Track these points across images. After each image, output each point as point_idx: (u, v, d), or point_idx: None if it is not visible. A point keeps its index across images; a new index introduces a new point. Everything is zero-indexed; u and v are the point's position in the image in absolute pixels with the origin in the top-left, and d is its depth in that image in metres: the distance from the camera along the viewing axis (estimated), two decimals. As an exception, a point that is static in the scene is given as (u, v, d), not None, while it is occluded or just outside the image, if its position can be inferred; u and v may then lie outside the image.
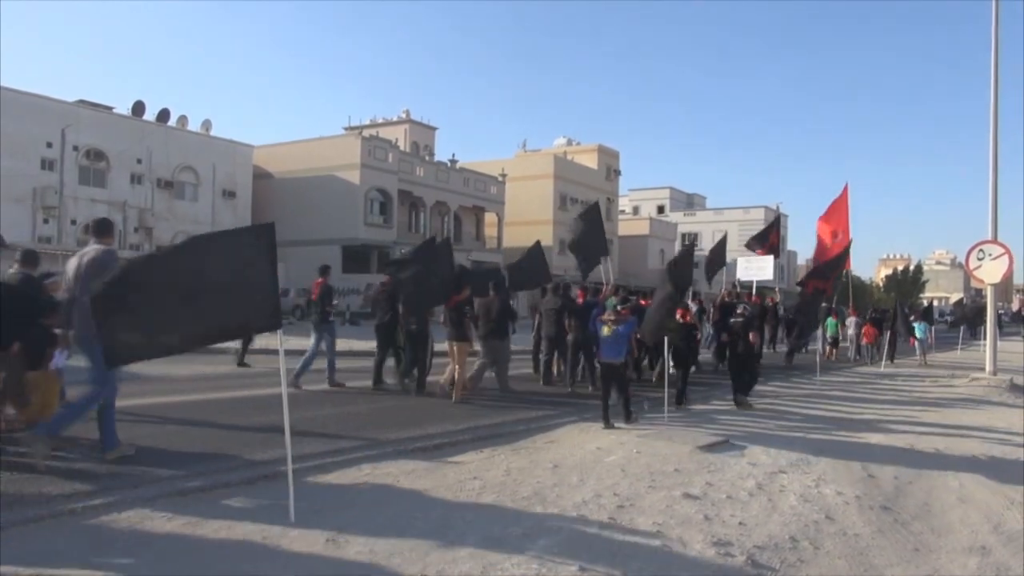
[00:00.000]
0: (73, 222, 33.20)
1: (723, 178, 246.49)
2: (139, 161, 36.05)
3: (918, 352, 23.76)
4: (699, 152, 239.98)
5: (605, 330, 9.19)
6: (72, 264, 6.37)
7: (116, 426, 6.47)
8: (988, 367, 16.75)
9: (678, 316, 11.07)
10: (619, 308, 9.62)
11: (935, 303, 56.32)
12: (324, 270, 12.41)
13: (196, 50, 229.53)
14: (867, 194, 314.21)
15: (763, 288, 18.95)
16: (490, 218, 50.83)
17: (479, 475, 6.40)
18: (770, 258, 16.15)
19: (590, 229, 12.96)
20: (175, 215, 37.50)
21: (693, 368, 12.30)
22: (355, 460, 6.86)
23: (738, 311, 11.71)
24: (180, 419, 8.66)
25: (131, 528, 4.67)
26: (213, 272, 4.87)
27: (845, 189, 19.11)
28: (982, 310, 27.40)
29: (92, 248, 6.52)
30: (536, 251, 13.66)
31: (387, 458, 7.01)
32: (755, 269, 15.92)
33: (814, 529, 5.47)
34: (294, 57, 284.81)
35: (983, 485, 7.08)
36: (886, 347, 21.21)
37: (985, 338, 19.32)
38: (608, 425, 8.89)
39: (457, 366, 11.02)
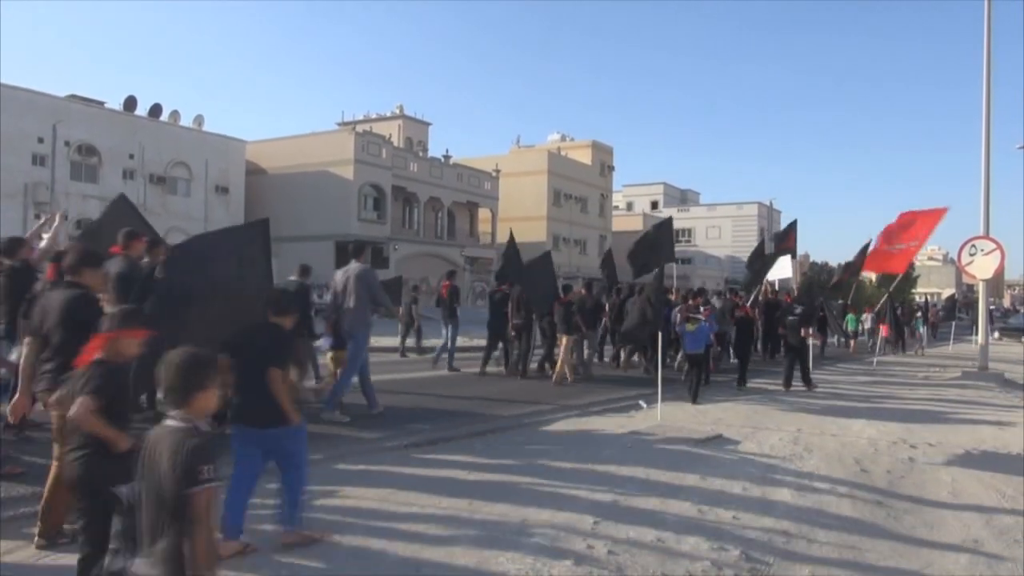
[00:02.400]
0: (65, 217, 33.04)
1: (717, 174, 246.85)
2: (131, 156, 35.85)
3: (923, 344, 26.30)
4: (693, 148, 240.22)
5: (689, 326, 11.21)
6: (340, 277, 8.79)
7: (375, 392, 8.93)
8: (979, 362, 16.84)
9: (739, 311, 13.82)
10: (702, 309, 11.73)
11: (928, 298, 56.49)
12: (451, 274, 14.94)
13: (189, 46, 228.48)
14: (862, 191, 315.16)
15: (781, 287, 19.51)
16: (484, 214, 50.76)
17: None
18: (787, 257, 16.92)
19: (658, 241, 13.38)
20: (168, 211, 37.31)
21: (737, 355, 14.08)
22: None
23: (796, 311, 13.69)
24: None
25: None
26: (220, 275, 4.86)
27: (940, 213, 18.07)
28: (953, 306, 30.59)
29: (356, 266, 8.83)
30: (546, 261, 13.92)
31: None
32: (778, 268, 16.76)
33: (807, 523, 5.50)
34: (287, 52, 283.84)
35: (975, 479, 7.12)
36: (895, 339, 23.07)
37: (977, 333, 19.41)
38: (695, 402, 10.99)
39: (564, 354, 12.75)
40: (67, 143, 33.28)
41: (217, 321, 4.84)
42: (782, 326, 14.04)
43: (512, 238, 14.61)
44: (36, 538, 4.22)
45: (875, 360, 19.68)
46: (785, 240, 17.37)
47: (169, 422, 2.55)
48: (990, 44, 16.73)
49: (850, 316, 24.89)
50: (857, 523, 5.60)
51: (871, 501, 6.19)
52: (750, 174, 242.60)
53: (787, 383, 12.99)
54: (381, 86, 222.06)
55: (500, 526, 5.02)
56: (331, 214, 39.59)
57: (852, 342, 25.05)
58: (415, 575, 4.22)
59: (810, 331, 13.98)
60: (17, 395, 4.35)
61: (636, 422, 9.19)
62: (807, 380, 13.36)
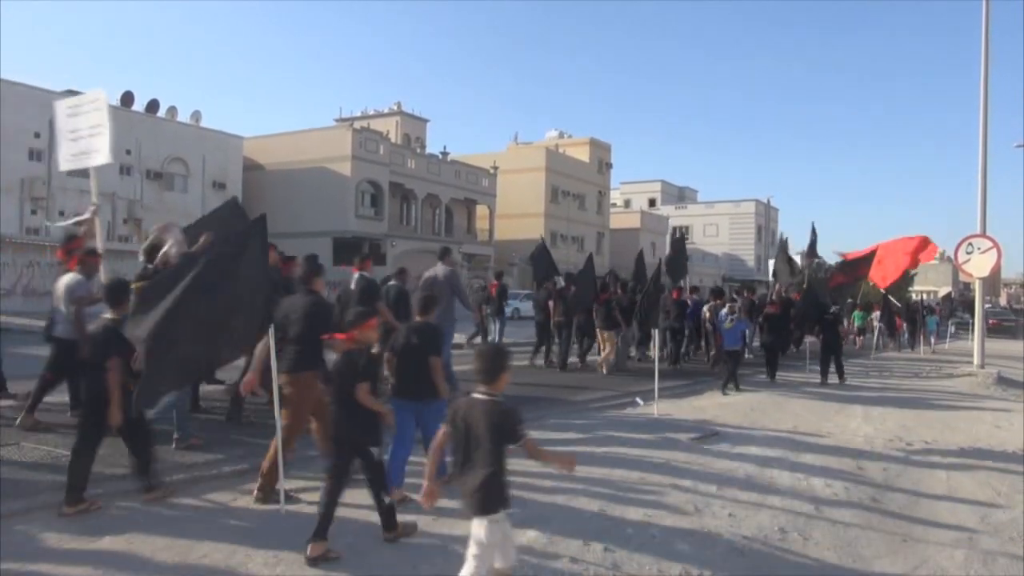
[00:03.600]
0: (61, 212, 32.84)
1: (714, 171, 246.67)
2: (128, 152, 35.71)
3: (932, 341, 28.20)
4: (691, 145, 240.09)
5: (728, 324, 12.49)
6: (428, 277, 10.05)
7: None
8: (976, 360, 16.86)
9: (770, 308, 14.81)
10: (738, 309, 13.00)
11: (925, 297, 56.65)
12: (499, 275, 16.47)
13: (186, 42, 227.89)
14: (857, 188, 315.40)
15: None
16: (481, 211, 50.70)
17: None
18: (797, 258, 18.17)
19: (676, 254, 16.56)
20: (165, 207, 37.20)
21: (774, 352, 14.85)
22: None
23: (831, 311, 15.00)
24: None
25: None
26: (227, 277, 4.86)
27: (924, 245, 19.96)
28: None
29: (443, 268, 10.25)
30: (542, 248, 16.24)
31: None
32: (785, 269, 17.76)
33: (803, 521, 5.52)
34: (285, 49, 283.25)
35: (970, 476, 7.14)
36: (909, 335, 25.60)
37: (974, 332, 19.48)
38: (738, 390, 12.20)
39: (608, 347, 14.26)
40: (64, 138, 33.18)
41: (223, 317, 4.86)
42: (817, 324, 15.04)
43: (544, 243, 16.55)
44: (256, 492, 5.35)
45: (872, 356, 19.76)
46: (812, 247, 18.49)
47: (477, 395, 3.51)
48: (988, 42, 16.73)
49: (857, 313, 25.63)
50: (853, 520, 5.61)
51: (867, 498, 6.21)
52: (747, 171, 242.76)
53: (824, 376, 14.30)
54: (379, 83, 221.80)
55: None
56: (329, 210, 39.51)
57: (859, 339, 25.83)
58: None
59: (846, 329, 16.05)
60: (249, 373, 5.47)
61: (632, 417, 9.22)
62: (840, 374, 14.49)
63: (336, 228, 39.28)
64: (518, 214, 51.44)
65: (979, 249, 16.12)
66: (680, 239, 16.66)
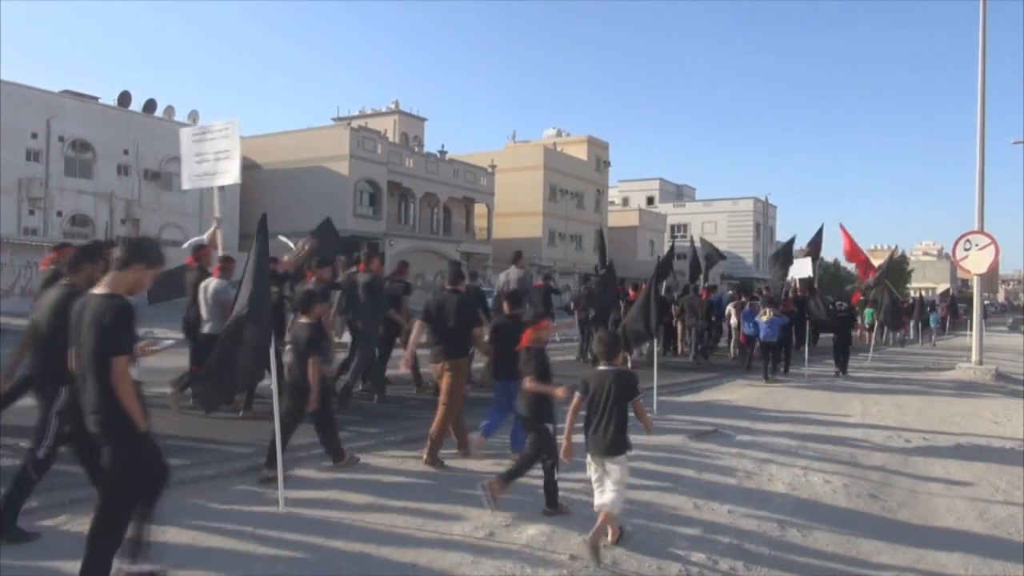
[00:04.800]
0: (59, 213, 32.87)
1: (712, 169, 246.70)
2: (126, 152, 35.66)
3: (934, 337, 29.94)
4: (689, 143, 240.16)
5: (764, 318, 13.53)
6: (502, 278, 11.30)
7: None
8: (975, 356, 16.89)
9: (784, 306, 15.15)
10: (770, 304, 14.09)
11: (923, 293, 56.75)
12: (547, 277, 16.60)
13: (183, 42, 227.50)
14: (855, 185, 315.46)
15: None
16: (480, 209, 50.65)
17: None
18: (808, 259, 17.86)
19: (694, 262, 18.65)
20: (163, 206, 37.17)
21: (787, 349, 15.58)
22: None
23: (842, 308, 16.52)
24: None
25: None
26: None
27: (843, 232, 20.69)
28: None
29: (515, 270, 11.51)
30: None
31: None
32: (797, 268, 17.61)
33: (803, 516, 5.52)
34: (282, 48, 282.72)
35: (969, 472, 7.16)
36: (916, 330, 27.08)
37: (971, 328, 19.55)
38: (770, 381, 13.22)
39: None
40: (61, 138, 33.10)
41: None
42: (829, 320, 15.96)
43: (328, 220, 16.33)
44: (425, 455, 6.41)
45: (872, 351, 19.81)
46: (815, 244, 18.80)
47: (602, 368, 4.72)
48: (986, 38, 16.75)
49: (868, 310, 26.31)
50: (851, 516, 5.63)
51: (865, 494, 6.22)
52: (745, 169, 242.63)
53: (843, 368, 15.38)
54: (376, 82, 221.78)
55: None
56: (327, 210, 39.09)
57: (870, 335, 26.08)
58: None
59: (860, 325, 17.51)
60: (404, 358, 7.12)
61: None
62: (844, 367, 15.53)
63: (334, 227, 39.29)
64: (516, 212, 51.40)
65: (977, 245, 16.15)
66: (713, 248, 19.61)
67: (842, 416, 10.01)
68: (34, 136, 32.17)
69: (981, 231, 16.46)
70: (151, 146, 36.60)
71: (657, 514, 5.35)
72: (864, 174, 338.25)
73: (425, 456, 6.43)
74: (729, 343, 18.29)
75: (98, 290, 3.64)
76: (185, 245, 6.55)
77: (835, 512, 5.70)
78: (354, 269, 9.54)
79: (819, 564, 4.65)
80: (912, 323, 29.26)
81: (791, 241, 19.99)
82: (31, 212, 32.10)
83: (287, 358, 5.98)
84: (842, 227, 20.20)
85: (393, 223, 43.43)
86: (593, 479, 4.63)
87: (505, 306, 6.91)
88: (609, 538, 4.61)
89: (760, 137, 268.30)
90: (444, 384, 6.50)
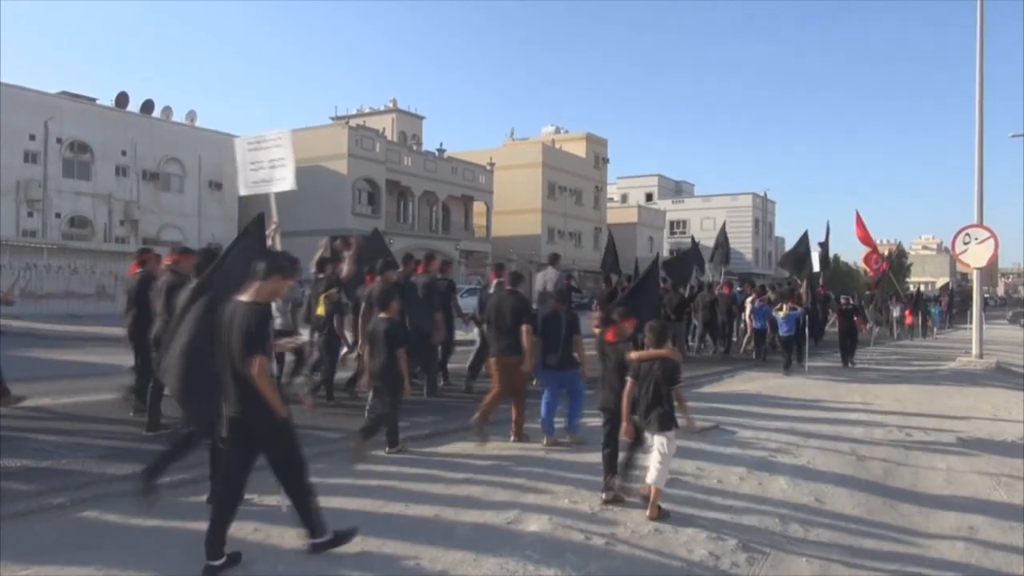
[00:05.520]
0: (57, 215, 32.82)
1: (711, 165, 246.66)
2: (124, 153, 35.59)
3: (935, 330, 30.73)
4: (687, 140, 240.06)
5: (780, 314, 14.28)
6: (540, 279, 11.53)
7: None
8: (975, 350, 16.91)
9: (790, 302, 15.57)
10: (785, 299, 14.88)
11: (921, 288, 56.82)
12: (569, 276, 15.89)
13: (181, 42, 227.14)
14: (854, 180, 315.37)
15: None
16: (479, 207, 50.63)
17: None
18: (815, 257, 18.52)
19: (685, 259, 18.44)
20: (161, 207, 37.14)
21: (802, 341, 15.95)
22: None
23: (847, 302, 17.49)
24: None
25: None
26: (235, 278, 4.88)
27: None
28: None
29: (552, 271, 11.69)
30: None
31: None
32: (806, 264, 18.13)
33: (804, 512, 5.53)
34: (279, 47, 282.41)
35: (970, 466, 7.16)
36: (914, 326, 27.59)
37: (971, 321, 19.58)
38: (787, 374, 13.80)
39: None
40: (59, 140, 33.03)
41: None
42: (839, 314, 17.02)
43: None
44: (513, 436, 7.30)
45: (872, 344, 19.89)
46: (824, 243, 19.10)
47: (652, 352, 5.26)
48: (983, 32, 16.74)
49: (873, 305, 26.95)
50: (853, 511, 5.63)
51: (867, 489, 6.22)
52: (744, 165, 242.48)
53: (847, 360, 15.98)
54: (374, 80, 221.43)
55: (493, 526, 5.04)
56: (325, 209, 39.42)
57: (875, 329, 26.62)
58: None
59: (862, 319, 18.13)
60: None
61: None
62: (850, 359, 16.15)
63: (333, 226, 39.20)
64: (515, 210, 51.37)
65: (976, 239, 16.16)
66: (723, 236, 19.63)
67: (843, 410, 10.00)
68: (32, 138, 32.12)
69: (980, 224, 16.46)
70: (149, 147, 36.55)
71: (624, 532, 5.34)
72: (863, 169, 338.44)
73: (513, 437, 7.32)
74: (743, 338, 18.87)
75: (243, 298, 4.14)
76: None
77: (836, 508, 5.70)
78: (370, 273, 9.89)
79: (821, 559, 4.65)
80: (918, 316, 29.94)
81: (805, 236, 20.02)
82: (30, 214, 32.07)
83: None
84: (857, 213, 20.37)
85: (392, 222, 43.40)
86: (648, 454, 5.26)
87: (553, 303, 7.61)
88: (649, 511, 5.11)
89: (758, 132, 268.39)
90: (507, 375, 7.28)
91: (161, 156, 37.22)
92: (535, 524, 4.91)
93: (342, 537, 4.28)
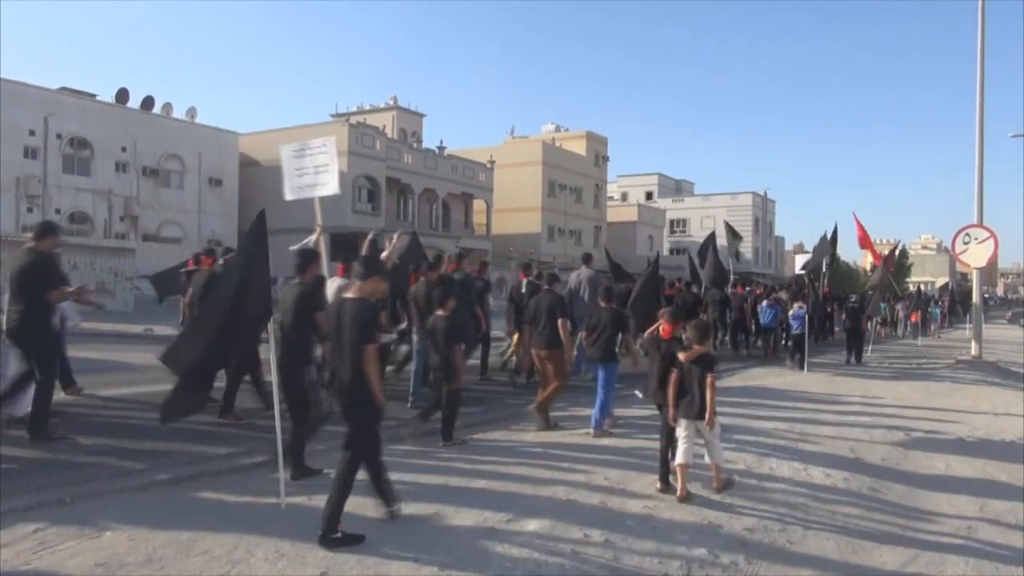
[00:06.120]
0: (57, 211, 32.80)
1: (711, 164, 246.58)
2: (124, 149, 35.60)
3: (937, 329, 31.36)
4: (687, 138, 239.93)
5: (791, 310, 14.89)
6: (574, 278, 11.55)
7: None
8: (974, 350, 16.92)
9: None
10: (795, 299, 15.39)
11: (922, 287, 56.86)
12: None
13: (181, 38, 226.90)
14: (854, 179, 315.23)
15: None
16: (479, 205, 50.60)
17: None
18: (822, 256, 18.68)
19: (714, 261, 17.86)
20: (161, 203, 37.14)
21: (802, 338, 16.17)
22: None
23: (853, 302, 17.83)
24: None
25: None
26: (236, 276, 4.92)
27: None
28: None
29: (586, 270, 11.62)
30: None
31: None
32: (810, 263, 18.42)
33: (803, 511, 5.52)
34: (280, 44, 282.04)
35: (969, 466, 7.16)
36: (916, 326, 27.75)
37: (970, 321, 19.60)
38: (795, 370, 14.38)
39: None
40: (59, 136, 33.04)
41: (238, 317, 4.85)
42: (845, 313, 17.59)
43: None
44: (533, 403, 8.01)
45: (869, 347, 19.88)
46: (832, 245, 19.19)
47: (697, 349, 5.79)
48: (984, 31, 16.73)
49: (882, 304, 27.26)
50: (852, 510, 5.62)
51: (866, 488, 6.22)
52: (744, 163, 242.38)
53: (855, 357, 16.43)
54: (374, 78, 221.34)
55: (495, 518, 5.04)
56: (325, 206, 38.80)
57: (883, 329, 27.66)
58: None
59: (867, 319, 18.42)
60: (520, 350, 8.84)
61: (633, 409, 9.21)
62: (859, 357, 16.58)
63: (333, 224, 39.03)
64: (515, 208, 51.32)
65: (976, 239, 16.18)
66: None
67: (843, 409, 10.00)
68: (32, 133, 32.11)
69: (980, 224, 16.47)
70: (149, 143, 36.53)
71: (657, 508, 5.35)
72: (864, 168, 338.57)
73: (544, 422, 7.87)
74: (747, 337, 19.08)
75: (350, 295, 4.74)
76: (293, 248, 7.05)
77: (835, 507, 5.70)
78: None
79: (819, 559, 4.65)
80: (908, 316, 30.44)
81: (824, 239, 20.11)
82: (29, 210, 32.05)
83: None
84: (855, 216, 20.51)
85: (392, 219, 43.36)
86: (681, 436, 5.68)
87: (601, 300, 8.26)
88: (715, 483, 5.76)
89: (759, 132, 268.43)
90: (550, 366, 8.01)
91: (161, 152, 37.21)
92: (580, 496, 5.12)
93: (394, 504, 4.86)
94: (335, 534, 4.37)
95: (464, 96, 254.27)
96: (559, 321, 7.91)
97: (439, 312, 7.11)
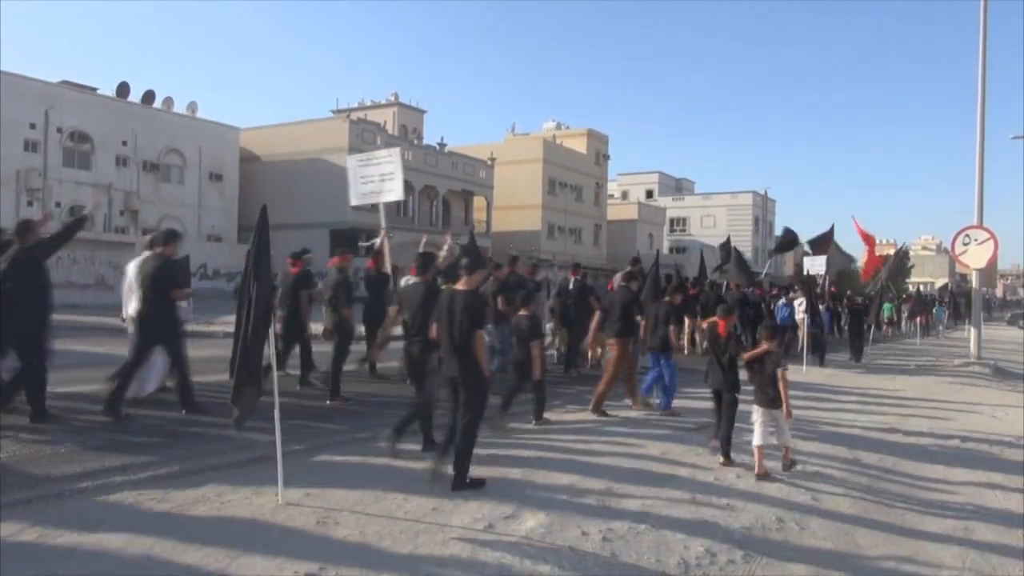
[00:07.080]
0: (57, 204, 32.76)
1: (711, 163, 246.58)
2: (124, 143, 35.54)
3: (940, 329, 31.91)
4: (688, 137, 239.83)
5: (799, 313, 15.41)
6: (617, 278, 11.41)
7: None
8: (973, 351, 16.93)
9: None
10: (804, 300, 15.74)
11: (921, 288, 56.89)
12: (584, 275, 17.37)
13: (182, 33, 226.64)
14: (854, 180, 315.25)
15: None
16: (479, 202, 50.51)
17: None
18: (823, 256, 18.90)
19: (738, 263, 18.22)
20: (161, 198, 37.10)
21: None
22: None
23: (858, 301, 18.64)
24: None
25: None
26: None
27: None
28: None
29: (622, 275, 11.43)
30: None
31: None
32: (818, 265, 18.72)
33: (800, 510, 5.54)
34: (281, 40, 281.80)
35: (967, 467, 7.17)
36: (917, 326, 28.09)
37: (970, 323, 19.62)
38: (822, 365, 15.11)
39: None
40: (59, 129, 32.98)
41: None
42: (851, 313, 18.10)
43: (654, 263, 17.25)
44: (591, 400, 8.78)
45: (867, 347, 19.92)
46: (826, 244, 19.41)
47: (764, 347, 6.49)
48: (986, 32, 16.73)
49: (887, 304, 27.29)
50: (849, 510, 5.64)
51: (863, 489, 6.24)
52: (745, 162, 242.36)
53: (857, 356, 16.81)
54: (375, 74, 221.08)
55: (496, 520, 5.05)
56: (325, 202, 39.33)
57: (888, 328, 28.39)
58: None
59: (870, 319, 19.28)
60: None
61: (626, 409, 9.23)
62: (859, 356, 16.91)
63: (333, 219, 39.15)
64: (515, 206, 51.25)
65: (976, 240, 16.18)
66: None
67: (843, 408, 10.02)
68: (32, 127, 32.07)
69: (980, 226, 16.48)
70: (150, 137, 36.49)
71: (655, 506, 5.36)
72: (864, 169, 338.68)
73: (591, 407, 8.69)
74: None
75: (460, 287, 5.55)
76: (361, 244, 7.79)
77: (832, 505, 5.72)
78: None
79: (816, 558, 4.67)
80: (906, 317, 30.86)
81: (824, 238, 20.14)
82: (29, 203, 32.02)
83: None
84: (854, 220, 20.85)
85: (392, 216, 42.82)
86: (756, 422, 6.43)
87: (668, 298, 9.40)
88: (783, 459, 6.52)
89: (759, 131, 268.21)
90: (612, 354, 9.03)
91: (162, 147, 37.17)
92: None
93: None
94: (466, 479, 5.33)
95: (465, 93, 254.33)
96: (635, 315, 8.95)
97: (522, 312, 7.88)
